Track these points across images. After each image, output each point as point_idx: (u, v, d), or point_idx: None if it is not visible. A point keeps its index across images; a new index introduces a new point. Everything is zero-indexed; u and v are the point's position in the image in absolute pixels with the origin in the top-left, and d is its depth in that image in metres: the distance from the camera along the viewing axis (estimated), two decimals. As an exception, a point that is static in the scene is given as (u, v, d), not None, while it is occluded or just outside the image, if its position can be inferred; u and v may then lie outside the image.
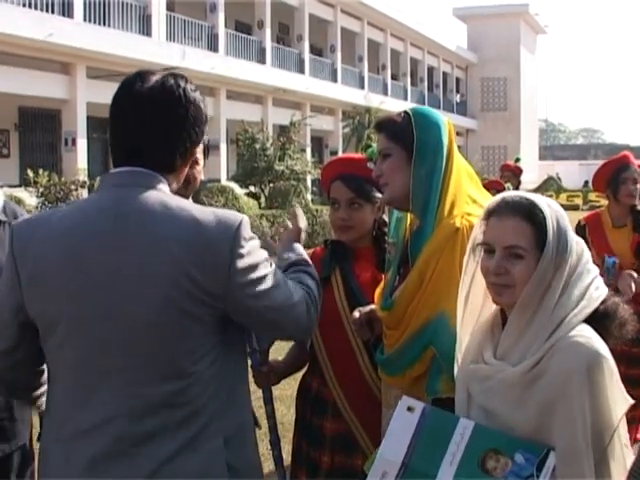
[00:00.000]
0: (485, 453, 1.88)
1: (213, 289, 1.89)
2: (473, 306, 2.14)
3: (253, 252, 1.97)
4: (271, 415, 2.85)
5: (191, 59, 23.30)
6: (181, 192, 2.15)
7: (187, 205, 1.95)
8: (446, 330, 2.30)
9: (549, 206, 2.01)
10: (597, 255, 4.48)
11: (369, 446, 2.75)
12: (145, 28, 23.83)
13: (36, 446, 3.08)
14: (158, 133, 1.97)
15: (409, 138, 2.43)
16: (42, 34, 18.90)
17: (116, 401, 1.87)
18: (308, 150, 30.81)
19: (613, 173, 5.08)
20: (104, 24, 21.83)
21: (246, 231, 1.95)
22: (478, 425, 1.94)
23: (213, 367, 1.93)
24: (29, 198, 16.04)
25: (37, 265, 1.92)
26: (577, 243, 2.02)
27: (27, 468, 2.95)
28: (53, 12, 20.13)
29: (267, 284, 1.98)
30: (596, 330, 1.96)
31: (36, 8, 19.58)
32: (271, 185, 23.18)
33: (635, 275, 4.53)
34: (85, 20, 21.17)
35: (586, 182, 40.33)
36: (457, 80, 55.54)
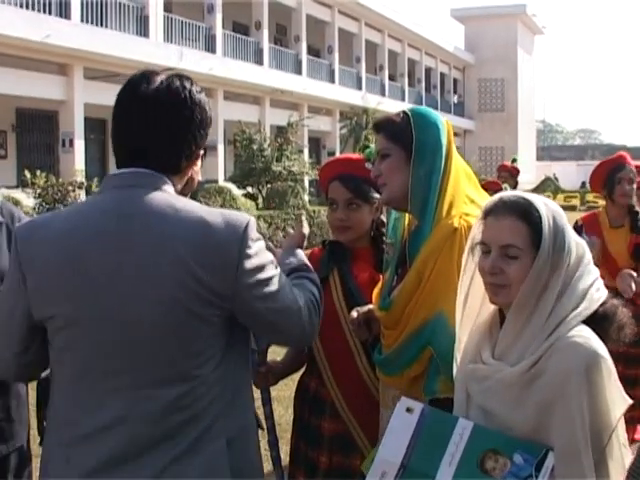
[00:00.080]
0: (484, 453, 1.88)
1: (221, 290, 1.88)
2: (472, 306, 2.14)
3: (260, 253, 1.96)
4: (269, 416, 2.85)
5: (189, 60, 23.27)
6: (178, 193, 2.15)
7: (194, 206, 1.94)
8: (444, 330, 2.30)
9: (546, 205, 2.00)
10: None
11: (367, 446, 2.75)
12: (142, 29, 23.82)
13: (33, 447, 3.08)
14: (164, 135, 1.96)
15: (408, 138, 2.43)
16: (39, 35, 18.88)
17: (119, 405, 1.85)
18: (306, 151, 30.80)
19: (608, 173, 5.08)
20: (101, 25, 21.81)
21: (253, 232, 1.95)
22: (477, 425, 1.94)
23: (218, 370, 1.92)
24: (26, 199, 16.01)
25: (41, 268, 1.91)
26: (578, 244, 2.02)
27: (24, 469, 2.94)
28: (50, 13, 20.10)
29: (273, 286, 1.97)
30: (595, 332, 1.96)
31: (33, 9, 19.56)
32: (269, 186, 23.17)
33: (634, 274, 4.53)
34: (82, 21, 21.14)
35: (583, 183, 40.40)
36: (454, 81, 55.55)
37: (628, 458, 1.89)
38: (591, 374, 1.85)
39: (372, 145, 2.91)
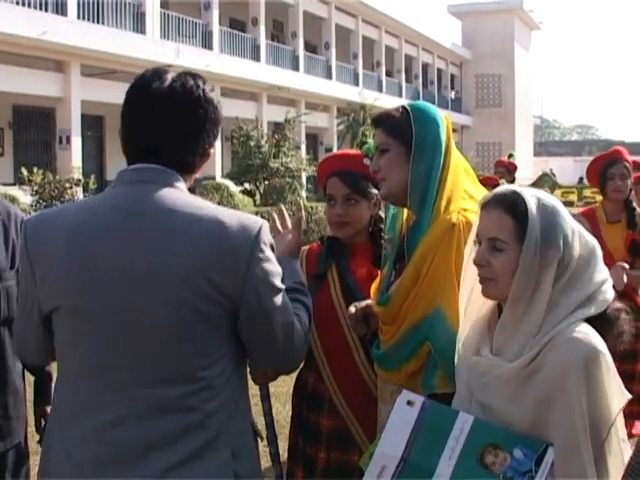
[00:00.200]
0: (484, 448, 1.88)
1: (230, 291, 1.86)
2: (475, 300, 2.14)
3: (271, 259, 1.95)
4: (268, 412, 2.85)
5: (185, 57, 23.24)
6: None
7: (207, 205, 1.93)
8: (442, 325, 2.31)
9: (538, 200, 1.99)
10: None
11: (365, 442, 2.75)
12: (139, 26, 23.78)
13: (31, 444, 3.08)
14: (178, 133, 1.95)
15: (408, 134, 2.43)
16: (36, 32, 18.84)
17: (119, 403, 1.84)
18: (303, 147, 30.81)
19: (602, 169, 5.09)
20: (98, 22, 21.77)
21: (266, 236, 1.94)
22: (477, 420, 1.94)
23: (223, 375, 1.90)
24: (23, 196, 16.01)
25: (48, 262, 1.91)
26: (585, 242, 2.01)
27: (22, 467, 2.94)
28: (47, 10, 20.06)
29: (276, 298, 1.95)
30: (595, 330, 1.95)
31: (30, 6, 19.52)
32: (266, 182, 23.19)
33: (627, 266, 4.52)
34: (79, 18, 21.10)
35: (581, 178, 40.38)
36: (452, 77, 55.50)
37: (627, 453, 1.89)
38: (590, 369, 1.85)
39: (370, 141, 2.91)
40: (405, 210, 2.59)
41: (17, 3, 19.15)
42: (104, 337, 1.85)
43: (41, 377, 3.14)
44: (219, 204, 1.99)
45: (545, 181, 40.20)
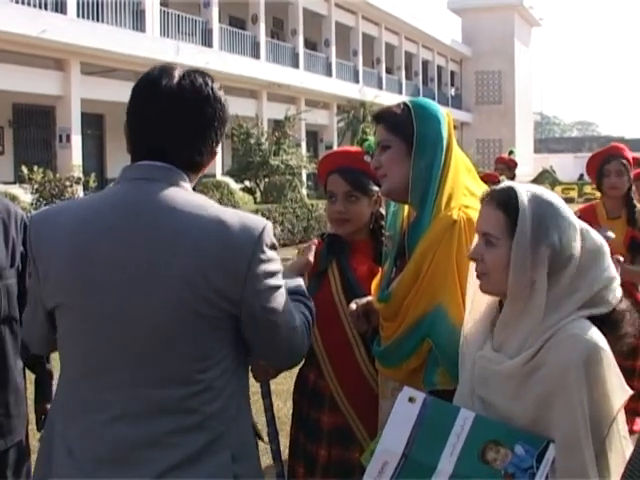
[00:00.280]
0: (485, 444, 1.88)
1: (230, 293, 1.85)
2: (480, 296, 2.13)
3: (273, 261, 1.93)
4: (269, 409, 2.85)
5: (185, 54, 23.22)
6: None
7: (210, 204, 1.91)
8: (443, 322, 2.31)
9: (533, 195, 1.99)
10: None
11: (366, 439, 2.75)
12: (139, 24, 23.77)
13: (32, 442, 3.09)
14: (186, 132, 1.94)
15: (409, 130, 2.43)
16: (35, 30, 18.83)
17: (121, 401, 1.83)
18: (303, 144, 30.82)
19: (599, 165, 5.08)
20: (98, 20, 21.76)
21: (269, 237, 1.92)
22: (478, 416, 1.94)
23: (224, 377, 1.88)
24: (24, 195, 15.98)
25: (50, 259, 1.90)
26: (591, 240, 2.00)
27: (23, 465, 2.94)
28: (46, 8, 20.05)
29: (280, 298, 1.94)
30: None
31: (29, 4, 19.51)
32: (266, 180, 23.16)
33: (621, 259, 4.51)
34: (78, 16, 21.09)
35: (581, 175, 40.44)
36: (452, 73, 55.51)
37: (628, 449, 1.89)
38: (591, 365, 1.85)
39: (370, 138, 2.91)
40: (406, 207, 2.59)
41: (17, 1, 19.14)
42: (104, 336, 1.84)
43: (42, 375, 3.14)
44: (219, 202, 1.98)
45: (545, 178, 40.27)
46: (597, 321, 1.96)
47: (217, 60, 25.70)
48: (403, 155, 2.44)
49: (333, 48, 36.03)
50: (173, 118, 1.92)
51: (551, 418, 1.87)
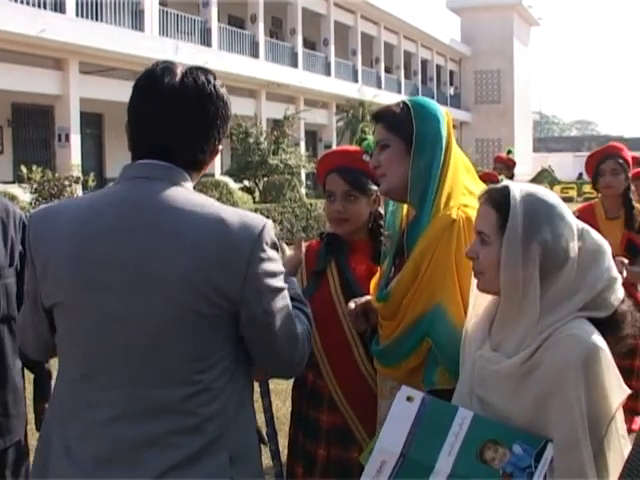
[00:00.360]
0: (483, 444, 1.88)
1: (230, 293, 1.83)
2: (482, 295, 2.14)
3: (273, 260, 1.90)
4: (268, 408, 2.85)
5: (184, 54, 23.20)
6: None
7: (211, 203, 1.89)
8: (442, 321, 2.31)
9: (527, 194, 1.99)
10: None
11: (365, 439, 2.75)
12: (138, 23, 23.78)
13: (31, 442, 3.08)
14: (189, 130, 1.92)
15: (408, 129, 2.42)
16: (35, 30, 18.84)
17: (119, 400, 1.82)
18: (302, 144, 30.82)
19: (595, 164, 5.07)
20: (97, 19, 21.77)
21: (269, 236, 1.89)
22: (477, 415, 1.94)
23: (222, 379, 1.87)
24: (23, 194, 15.97)
25: (48, 258, 1.89)
26: (591, 240, 2.00)
27: (22, 464, 2.94)
28: (45, 8, 20.06)
29: (280, 302, 1.91)
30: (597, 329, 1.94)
31: (28, 4, 19.52)
32: (265, 179, 23.16)
33: (626, 261, 4.50)
34: (78, 15, 21.10)
35: (580, 174, 40.40)
36: (451, 73, 55.52)
37: (627, 449, 1.89)
38: (589, 365, 1.85)
39: (369, 137, 2.91)
40: (404, 206, 2.59)
41: (16, 1, 19.14)
42: (103, 335, 1.84)
43: (40, 375, 3.14)
44: (218, 201, 1.96)
45: (544, 177, 40.27)
46: (597, 322, 1.96)
47: (216, 59, 25.67)
48: (402, 154, 2.44)
49: (332, 47, 36.04)
50: (175, 116, 1.90)
51: (549, 418, 1.87)
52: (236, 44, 28.98)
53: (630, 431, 4.86)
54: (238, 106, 25.79)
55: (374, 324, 2.67)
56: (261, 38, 30.39)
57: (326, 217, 3.04)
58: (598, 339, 1.89)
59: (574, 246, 1.97)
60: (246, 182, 24.06)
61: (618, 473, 1.80)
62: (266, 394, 2.87)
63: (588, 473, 1.82)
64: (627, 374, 4.55)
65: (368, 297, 2.69)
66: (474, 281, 2.15)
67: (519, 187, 2.01)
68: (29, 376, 3.07)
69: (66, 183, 16.39)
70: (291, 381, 3.10)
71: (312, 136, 36.24)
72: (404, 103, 2.50)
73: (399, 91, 42.73)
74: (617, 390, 1.90)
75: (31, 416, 3.12)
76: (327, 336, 2.85)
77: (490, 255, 1.99)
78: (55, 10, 20.34)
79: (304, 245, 2.61)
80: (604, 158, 5.02)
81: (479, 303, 2.16)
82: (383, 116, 2.52)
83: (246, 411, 1.98)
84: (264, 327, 1.90)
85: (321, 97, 33.70)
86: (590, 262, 1.98)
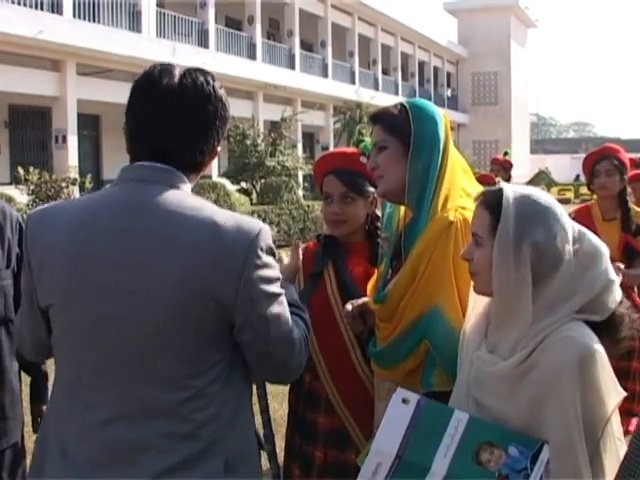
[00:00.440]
0: (479, 446, 1.88)
1: (224, 297, 1.81)
2: (480, 298, 2.14)
3: (269, 266, 1.88)
4: (265, 410, 2.85)
5: (181, 55, 23.18)
6: None
7: (208, 207, 1.88)
8: (440, 323, 2.31)
9: (521, 196, 1.99)
10: None
11: (362, 441, 2.75)
12: (135, 24, 23.76)
13: (28, 444, 3.08)
14: (188, 131, 1.91)
15: (406, 131, 2.42)
16: (32, 31, 18.82)
17: (114, 403, 1.82)
18: (299, 146, 30.81)
19: (590, 165, 5.08)
20: (94, 21, 21.75)
21: (264, 242, 1.87)
22: (472, 418, 1.94)
23: (216, 385, 1.85)
24: (20, 196, 15.96)
25: (44, 258, 1.89)
26: (589, 243, 2.00)
27: (19, 466, 2.94)
28: (43, 9, 20.04)
29: (276, 308, 1.89)
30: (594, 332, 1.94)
31: (26, 5, 19.49)
32: (262, 181, 23.15)
33: (622, 266, 4.50)
34: (75, 17, 21.07)
35: (577, 176, 40.45)
36: (448, 75, 55.53)
37: (623, 451, 1.89)
38: (584, 367, 1.85)
39: (367, 139, 2.91)
40: (402, 208, 2.59)
41: (13, 2, 19.12)
42: (99, 337, 1.83)
43: (37, 377, 3.14)
44: (215, 203, 1.96)
45: (542, 179, 40.28)
46: (595, 324, 1.95)
47: (213, 61, 25.67)
48: (400, 156, 2.44)
49: (329, 49, 36.04)
50: (174, 117, 1.90)
51: (544, 420, 1.87)
52: (233, 46, 28.97)
53: (627, 433, 4.87)
54: (235, 108, 25.68)
55: (371, 326, 2.67)
56: (258, 40, 30.39)
57: (323, 219, 3.04)
58: (594, 341, 1.89)
59: (569, 248, 1.97)
60: (243, 184, 24.05)
61: (614, 475, 1.80)
62: (263, 396, 2.86)
63: (584, 474, 1.82)
64: (624, 376, 4.55)
65: (365, 299, 2.69)
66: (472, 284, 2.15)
67: (513, 189, 2.01)
68: (26, 378, 3.07)
69: (63, 185, 16.38)
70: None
71: (309, 138, 36.23)
72: (402, 105, 2.50)
73: (396, 93, 42.75)
74: (613, 392, 1.90)
75: (28, 418, 3.12)
76: (324, 338, 2.85)
77: (483, 256, 1.99)
78: (52, 11, 20.32)
79: (301, 248, 2.60)
80: (600, 159, 5.03)
81: (477, 304, 2.16)
82: (381, 118, 2.52)
83: (243, 415, 1.96)
84: (259, 332, 1.88)
85: (318, 99, 33.69)
86: (587, 264, 1.98)
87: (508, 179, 8.54)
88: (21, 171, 16.16)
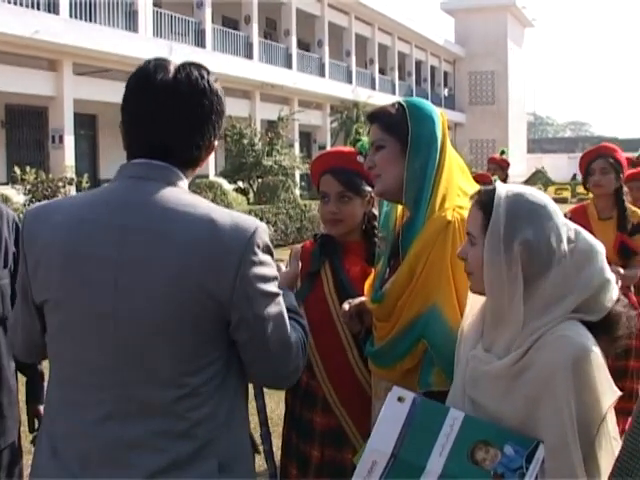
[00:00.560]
0: (475, 444, 1.88)
1: (220, 295, 1.80)
2: (478, 297, 2.14)
3: (266, 265, 1.87)
4: (262, 409, 2.85)
5: (178, 55, 23.13)
6: None
7: (204, 204, 1.87)
8: (438, 323, 2.31)
9: (513, 195, 1.99)
10: None
11: (359, 440, 2.75)
12: (132, 24, 23.74)
13: (24, 444, 3.08)
14: (184, 126, 1.90)
15: (404, 130, 2.42)
16: (28, 31, 18.79)
17: (107, 401, 1.81)
18: (296, 145, 30.79)
19: (586, 164, 5.09)
20: (90, 20, 21.73)
21: (261, 239, 1.86)
22: (468, 416, 1.94)
23: (211, 383, 1.84)
24: (16, 195, 15.93)
25: (40, 255, 1.88)
26: (584, 242, 1.99)
27: (16, 465, 2.94)
28: (39, 9, 20.01)
29: (273, 308, 1.88)
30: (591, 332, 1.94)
31: (22, 5, 19.47)
32: (259, 180, 23.14)
33: (622, 271, 4.50)
34: (71, 16, 21.06)
35: (574, 175, 40.51)
36: (445, 74, 55.53)
37: (618, 450, 1.89)
38: (579, 367, 1.84)
39: (364, 138, 2.91)
40: (399, 207, 2.59)
41: (9, 2, 19.09)
42: (93, 335, 1.83)
43: (33, 377, 3.13)
44: (212, 202, 1.95)
45: (539, 178, 40.34)
46: (592, 323, 1.95)
47: (210, 60, 25.53)
48: (397, 155, 2.44)
49: (326, 48, 36.03)
50: (169, 112, 1.89)
51: (539, 419, 1.87)
52: (230, 45, 28.95)
53: (624, 432, 4.87)
54: (232, 107, 25.77)
55: (368, 325, 2.67)
56: (255, 39, 30.37)
57: (320, 218, 3.04)
58: (589, 341, 1.89)
59: (564, 247, 1.97)
60: (240, 183, 24.05)
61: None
62: (260, 395, 2.86)
63: (578, 474, 1.82)
64: (622, 375, 4.56)
65: (362, 298, 2.69)
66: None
67: (506, 188, 2.01)
68: (22, 378, 3.07)
69: (60, 184, 16.37)
70: (285, 382, 3.10)
71: (306, 137, 36.22)
72: (399, 104, 2.50)
73: (393, 92, 42.74)
74: (608, 392, 1.90)
75: (24, 417, 3.12)
76: (321, 337, 2.85)
77: (476, 255, 2.00)
78: (49, 11, 20.30)
79: (299, 256, 2.59)
80: (595, 157, 5.04)
81: (475, 303, 2.16)
82: (378, 117, 2.52)
83: (238, 416, 1.96)
84: (256, 332, 1.86)
85: (315, 98, 33.69)
86: (583, 263, 1.97)
87: (505, 178, 8.51)
88: (18, 171, 16.14)
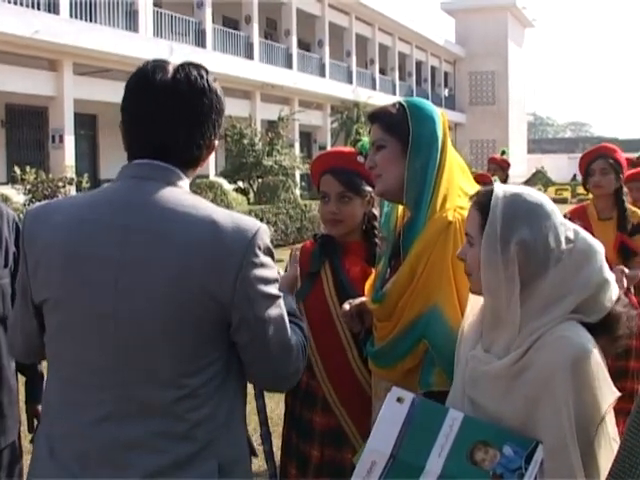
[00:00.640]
0: (474, 445, 1.88)
1: (220, 296, 1.80)
2: (478, 297, 2.14)
3: (267, 266, 1.87)
4: (262, 409, 2.85)
5: (178, 55, 23.12)
6: None
7: (205, 205, 1.87)
8: (439, 323, 2.31)
9: (511, 194, 1.99)
10: None
11: (359, 440, 2.75)
12: (132, 24, 23.74)
13: (24, 443, 3.08)
14: (184, 126, 1.91)
15: (404, 130, 2.42)
16: (28, 31, 18.79)
17: (106, 401, 1.81)
18: (297, 145, 30.79)
19: (585, 164, 5.09)
20: (91, 20, 21.73)
21: (262, 241, 1.86)
22: (467, 417, 1.94)
23: (211, 384, 1.84)
24: (16, 195, 15.93)
25: (41, 254, 1.88)
26: (583, 242, 1.99)
27: (16, 466, 2.94)
28: (39, 8, 20.01)
29: (274, 310, 1.88)
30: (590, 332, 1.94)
31: (22, 4, 19.47)
32: (260, 180, 23.14)
33: (626, 270, 4.49)
34: (72, 16, 21.05)
35: (574, 176, 40.50)
36: (445, 74, 55.52)
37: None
38: (578, 368, 1.84)
39: (364, 138, 2.91)
40: (399, 207, 2.59)
41: (9, 1, 19.09)
42: (93, 335, 1.82)
43: (33, 377, 3.13)
44: (212, 202, 1.95)
45: (539, 178, 40.34)
46: (592, 323, 1.95)
47: (210, 60, 25.55)
48: (398, 155, 2.44)
49: (326, 49, 36.02)
50: (169, 112, 1.89)
51: (538, 420, 1.87)
52: (230, 45, 28.95)
53: (623, 433, 4.86)
54: (233, 107, 25.79)
55: (369, 325, 2.67)
56: (255, 39, 30.37)
57: (320, 218, 3.04)
58: (588, 341, 1.89)
59: (562, 246, 1.97)
60: (240, 183, 24.05)
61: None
62: (260, 395, 2.86)
63: (577, 475, 1.82)
64: (622, 375, 4.55)
65: (363, 298, 2.69)
66: None
67: (504, 188, 2.01)
68: (21, 378, 3.07)
69: (60, 184, 16.37)
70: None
71: (307, 137, 36.22)
72: (400, 104, 2.50)
73: (394, 92, 42.73)
74: (607, 392, 1.89)
75: (23, 417, 3.12)
76: (321, 337, 2.85)
77: (475, 256, 2.00)
78: (49, 11, 20.29)
79: (298, 256, 2.59)
80: (595, 158, 5.04)
81: (475, 304, 2.16)
82: (379, 117, 2.52)
83: (238, 417, 1.96)
84: (256, 333, 1.86)
85: (316, 98, 33.68)
86: (582, 263, 1.97)
87: (505, 179, 8.50)
88: (18, 171, 16.14)
